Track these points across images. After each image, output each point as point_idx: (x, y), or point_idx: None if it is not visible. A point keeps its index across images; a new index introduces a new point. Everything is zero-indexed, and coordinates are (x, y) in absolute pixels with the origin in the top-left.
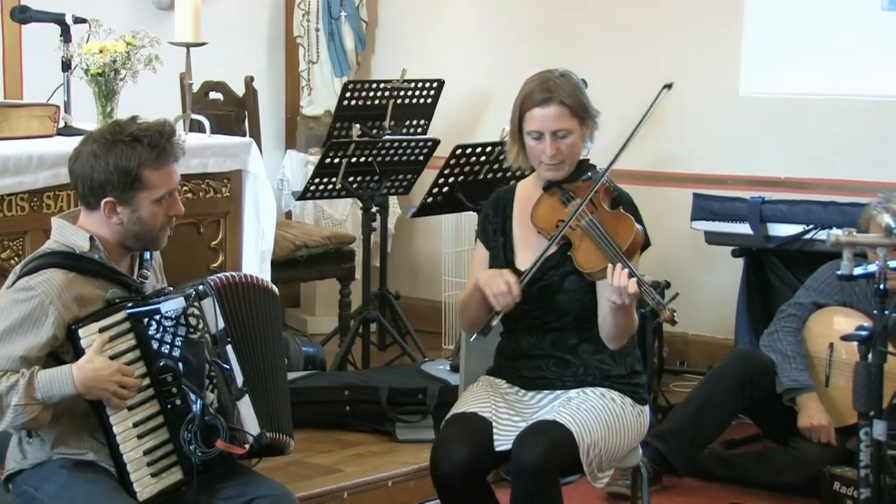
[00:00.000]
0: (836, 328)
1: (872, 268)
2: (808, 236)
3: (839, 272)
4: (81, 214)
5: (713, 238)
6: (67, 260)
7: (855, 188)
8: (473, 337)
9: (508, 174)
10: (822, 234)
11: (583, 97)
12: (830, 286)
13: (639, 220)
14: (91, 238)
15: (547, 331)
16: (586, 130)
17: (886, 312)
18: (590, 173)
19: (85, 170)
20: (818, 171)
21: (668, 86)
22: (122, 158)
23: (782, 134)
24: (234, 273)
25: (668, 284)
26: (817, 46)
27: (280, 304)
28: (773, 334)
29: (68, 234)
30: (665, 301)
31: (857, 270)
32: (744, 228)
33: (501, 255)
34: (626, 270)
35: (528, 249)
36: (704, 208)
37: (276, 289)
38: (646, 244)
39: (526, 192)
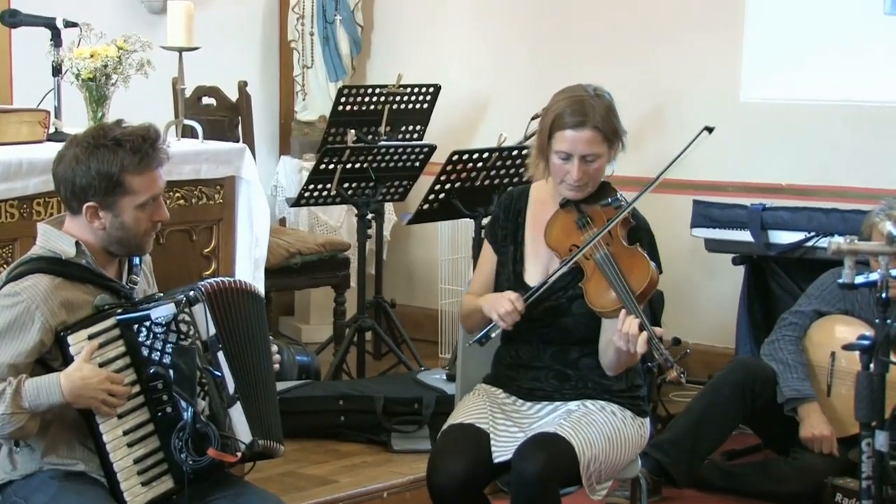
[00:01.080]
0: (837, 337)
1: (874, 276)
2: (809, 244)
3: (840, 281)
4: (66, 219)
5: (713, 245)
6: (53, 265)
7: (857, 195)
8: (469, 343)
9: (506, 181)
10: (823, 242)
11: (615, 119)
12: (832, 294)
13: (655, 252)
14: (77, 243)
15: (548, 344)
16: (613, 153)
17: (888, 322)
18: (609, 199)
19: (67, 174)
20: (820, 178)
21: (710, 129)
22: (104, 163)
23: (783, 140)
24: (224, 278)
25: (678, 341)
26: (819, 51)
27: (265, 308)
28: (774, 343)
29: (54, 239)
30: (675, 357)
31: (859, 279)
32: (744, 236)
33: (510, 266)
34: (637, 322)
35: (538, 262)
36: (704, 215)
37: (262, 292)
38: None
39: (540, 199)
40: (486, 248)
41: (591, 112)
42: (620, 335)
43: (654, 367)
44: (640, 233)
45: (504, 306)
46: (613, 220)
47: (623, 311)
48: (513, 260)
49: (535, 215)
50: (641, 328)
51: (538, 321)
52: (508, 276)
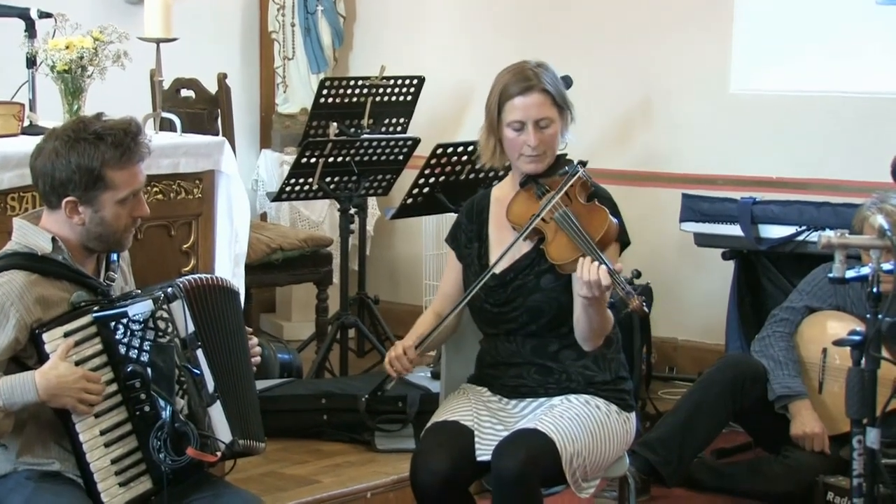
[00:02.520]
0: (829, 333)
1: (865, 270)
2: (800, 238)
3: (831, 275)
4: (44, 214)
5: (703, 240)
6: (29, 261)
7: (849, 188)
8: (364, 398)
9: (491, 174)
10: (814, 236)
11: (561, 86)
12: (823, 289)
13: (615, 213)
14: (53, 239)
15: (527, 337)
16: (564, 123)
17: (880, 316)
18: (567, 168)
19: (46, 168)
20: (811, 171)
21: (583, 163)
22: (85, 157)
23: (774, 132)
24: (202, 275)
25: (638, 274)
26: (810, 42)
27: (241, 305)
28: (765, 339)
29: (30, 235)
30: (636, 291)
31: (850, 273)
32: (734, 230)
33: (476, 262)
34: (596, 262)
35: (503, 249)
36: (694, 209)
37: (239, 289)
38: (626, 242)
39: (502, 195)
40: (450, 260)
41: (535, 77)
42: (583, 282)
43: (616, 302)
44: (599, 198)
45: (395, 350)
46: (569, 178)
47: (582, 258)
48: (478, 255)
49: (498, 210)
50: (601, 265)
51: (508, 304)
52: (475, 270)
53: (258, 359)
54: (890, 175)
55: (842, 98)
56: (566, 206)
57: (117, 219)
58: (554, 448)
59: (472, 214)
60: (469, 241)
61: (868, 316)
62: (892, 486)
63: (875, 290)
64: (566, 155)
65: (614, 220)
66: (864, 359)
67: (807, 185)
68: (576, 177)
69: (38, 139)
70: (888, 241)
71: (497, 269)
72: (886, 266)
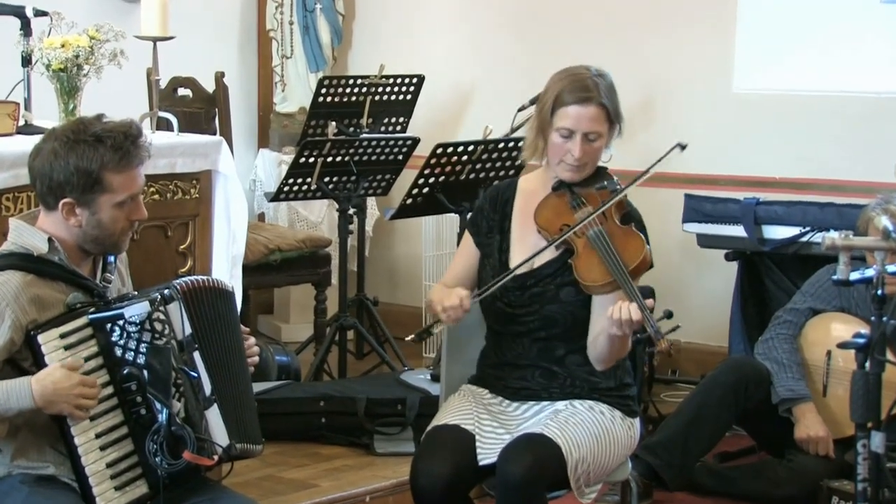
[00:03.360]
0: (833, 335)
1: (870, 272)
2: (804, 239)
3: (835, 277)
4: (41, 215)
5: (705, 241)
6: (25, 262)
7: (853, 189)
8: (406, 339)
9: (492, 174)
10: (818, 237)
11: (617, 100)
12: (828, 291)
13: (647, 241)
14: (50, 240)
15: (534, 340)
16: (611, 136)
17: (885, 319)
18: (605, 182)
19: (44, 168)
20: (815, 171)
21: (682, 146)
22: (84, 159)
23: (777, 132)
24: (200, 276)
25: (670, 314)
26: (814, 40)
27: (237, 306)
28: (769, 342)
29: (26, 235)
30: (664, 332)
31: (854, 275)
32: (737, 231)
33: (496, 255)
34: (634, 304)
35: (526, 249)
36: (696, 210)
37: (235, 290)
38: (650, 266)
39: (529, 188)
40: (466, 241)
41: (595, 89)
42: (614, 321)
43: (643, 338)
44: (633, 221)
45: (450, 300)
46: (612, 199)
47: (615, 294)
48: (499, 249)
49: (524, 204)
50: (632, 301)
51: (523, 308)
52: (494, 264)
53: (256, 359)
54: (894, 175)
55: (846, 97)
56: (601, 224)
57: (114, 222)
58: (560, 453)
59: (496, 203)
60: (490, 231)
61: (873, 318)
62: None
63: (880, 292)
64: (606, 168)
65: (649, 249)
66: (868, 362)
67: (810, 186)
68: (618, 197)
69: (33, 139)
70: (893, 242)
71: (517, 271)
72: (891, 268)
